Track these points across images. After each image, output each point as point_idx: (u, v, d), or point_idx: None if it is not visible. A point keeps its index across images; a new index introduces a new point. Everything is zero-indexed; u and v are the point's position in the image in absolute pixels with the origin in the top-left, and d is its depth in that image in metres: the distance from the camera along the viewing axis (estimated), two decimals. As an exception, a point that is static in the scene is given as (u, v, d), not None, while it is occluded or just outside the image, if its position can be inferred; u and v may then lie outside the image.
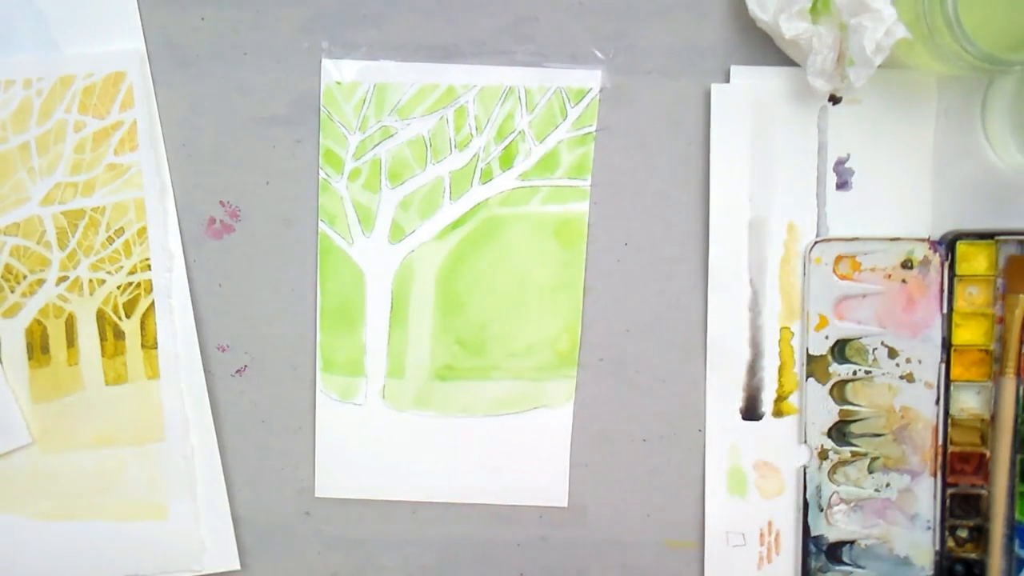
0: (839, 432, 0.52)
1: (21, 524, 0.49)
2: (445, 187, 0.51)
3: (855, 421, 0.52)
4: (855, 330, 0.51)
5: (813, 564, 0.52)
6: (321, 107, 0.51)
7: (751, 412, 0.52)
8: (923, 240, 0.51)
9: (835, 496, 0.52)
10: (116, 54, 0.46)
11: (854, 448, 0.52)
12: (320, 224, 0.51)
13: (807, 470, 0.52)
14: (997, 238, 0.50)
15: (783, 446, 0.52)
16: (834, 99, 0.50)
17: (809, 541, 0.52)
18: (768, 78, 0.50)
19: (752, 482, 0.52)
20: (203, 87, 0.51)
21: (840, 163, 0.51)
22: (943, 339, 0.51)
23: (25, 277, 0.46)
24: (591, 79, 0.51)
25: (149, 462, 0.49)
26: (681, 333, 0.52)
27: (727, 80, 0.50)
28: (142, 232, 0.47)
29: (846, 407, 0.51)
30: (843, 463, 0.52)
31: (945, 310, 0.51)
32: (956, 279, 0.50)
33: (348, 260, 0.52)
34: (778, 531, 0.52)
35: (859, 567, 0.52)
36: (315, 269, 0.52)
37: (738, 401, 0.52)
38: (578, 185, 0.51)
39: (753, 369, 0.52)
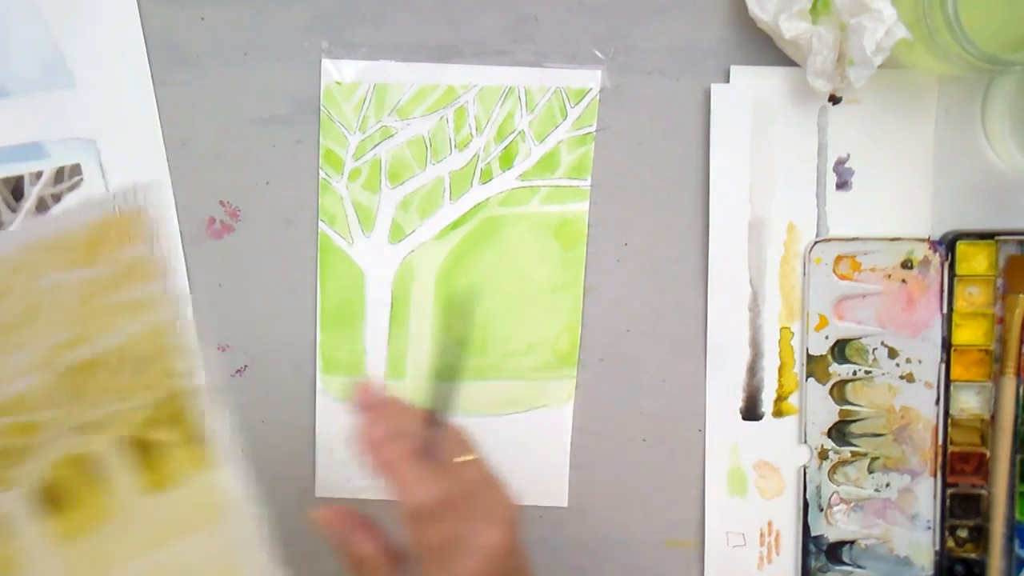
0: (839, 432, 0.52)
1: None
2: (445, 187, 0.51)
3: (855, 421, 0.52)
4: (855, 330, 0.51)
5: (813, 564, 0.52)
6: (321, 107, 0.51)
7: (751, 412, 0.52)
8: (923, 240, 0.51)
9: (835, 496, 0.52)
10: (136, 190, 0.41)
11: (854, 448, 0.52)
12: (320, 224, 0.51)
13: (807, 470, 0.52)
14: (997, 238, 0.50)
15: (783, 446, 0.52)
16: (834, 99, 0.50)
17: (809, 541, 0.52)
18: (768, 78, 0.50)
19: (752, 482, 0.52)
20: (203, 87, 0.51)
21: (840, 163, 0.51)
22: (943, 339, 0.51)
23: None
24: (591, 79, 0.51)
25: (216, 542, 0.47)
26: (681, 333, 0.52)
27: (727, 80, 0.50)
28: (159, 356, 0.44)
29: (846, 407, 0.51)
30: (843, 463, 0.52)
31: (945, 310, 0.51)
32: (956, 279, 0.50)
33: (348, 260, 0.52)
34: (778, 531, 0.52)
35: (859, 567, 0.52)
36: (315, 269, 0.52)
37: (738, 401, 0.52)
38: (578, 185, 0.51)
39: (753, 369, 0.52)
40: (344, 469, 0.53)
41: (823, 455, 0.52)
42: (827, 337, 0.51)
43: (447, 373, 0.39)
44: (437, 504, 0.37)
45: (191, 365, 0.44)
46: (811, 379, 0.51)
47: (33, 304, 0.42)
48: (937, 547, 0.52)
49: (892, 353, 0.51)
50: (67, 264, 0.42)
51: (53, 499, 0.44)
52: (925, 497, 0.52)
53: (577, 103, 0.51)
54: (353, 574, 0.41)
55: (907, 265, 0.51)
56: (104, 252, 0.42)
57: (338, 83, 0.51)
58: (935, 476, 0.51)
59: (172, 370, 0.44)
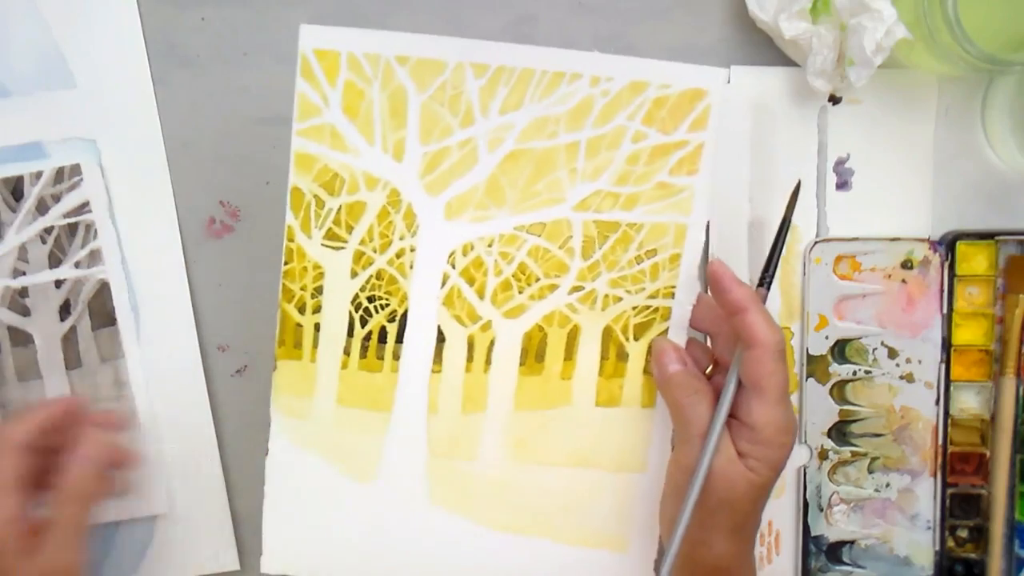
0: (839, 432, 0.52)
1: (468, 529, 0.46)
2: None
3: (855, 421, 0.52)
4: (855, 330, 0.51)
5: (813, 564, 0.52)
6: (321, 107, 0.51)
7: (751, 412, 0.52)
8: (923, 240, 0.51)
9: (835, 496, 0.52)
10: (700, 71, 0.43)
11: (854, 448, 0.52)
12: (320, 224, 0.51)
13: (807, 470, 0.52)
14: (997, 238, 0.50)
15: (783, 446, 0.52)
16: (834, 99, 0.50)
17: (809, 541, 0.52)
18: (768, 78, 0.50)
19: (752, 482, 0.52)
20: (203, 87, 0.51)
21: (840, 163, 0.51)
22: (943, 339, 0.51)
23: (538, 280, 0.44)
24: (591, 79, 0.51)
25: (622, 492, 0.46)
26: (681, 333, 0.52)
27: (727, 80, 0.50)
28: (675, 259, 0.44)
29: (846, 407, 0.51)
30: (843, 463, 0.52)
31: (945, 310, 0.51)
32: (956, 279, 0.50)
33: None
34: (778, 531, 0.52)
35: (859, 567, 0.52)
36: (315, 269, 0.52)
37: (738, 401, 0.52)
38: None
39: (753, 369, 0.52)
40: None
41: (823, 455, 0.52)
42: (827, 337, 0.51)
43: (772, 249, 0.44)
44: (779, 348, 0.41)
45: (679, 289, 0.44)
46: (811, 379, 0.51)
47: (595, 140, 0.42)
48: (937, 547, 0.52)
49: (892, 353, 0.51)
50: (633, 115, 0.42)
51: (526, 350, 0.44)
52: (925, 497, 0.52)
53: (577, 103, 0.51)
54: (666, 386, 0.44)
55: (907, 265, 0.51)
56: (662, 124, 0.43)
57: (338, 83, 0.51)
58: (935, 476, 0.51)
59: (664, 279, 0.44)
